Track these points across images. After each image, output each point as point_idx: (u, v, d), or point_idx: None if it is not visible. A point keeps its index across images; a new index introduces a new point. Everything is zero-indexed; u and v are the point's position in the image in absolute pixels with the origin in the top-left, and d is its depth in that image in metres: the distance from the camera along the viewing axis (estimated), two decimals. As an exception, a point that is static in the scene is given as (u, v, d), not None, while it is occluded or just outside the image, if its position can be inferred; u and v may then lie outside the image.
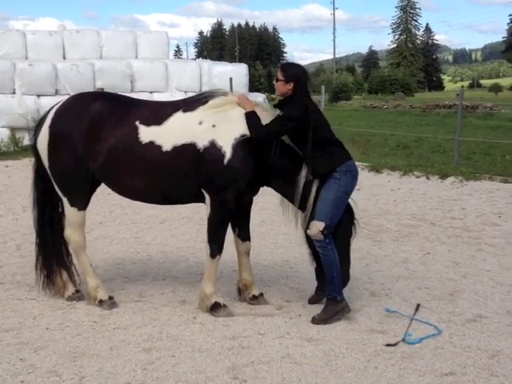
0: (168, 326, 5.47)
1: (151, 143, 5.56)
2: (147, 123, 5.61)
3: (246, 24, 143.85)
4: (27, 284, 6.59)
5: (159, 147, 5.54)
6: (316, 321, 5.51)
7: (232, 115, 5.55)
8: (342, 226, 5.58)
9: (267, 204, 10.57)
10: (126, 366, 4.69)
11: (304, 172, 5.49)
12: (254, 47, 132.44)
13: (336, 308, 5.51)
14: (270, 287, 6.48)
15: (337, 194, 5.41)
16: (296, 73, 5.57)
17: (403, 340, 5.08)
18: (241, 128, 5.49)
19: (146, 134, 5.58)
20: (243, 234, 6.04)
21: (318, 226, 5.40)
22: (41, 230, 6.14)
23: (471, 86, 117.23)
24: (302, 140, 5.44)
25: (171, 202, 6.18)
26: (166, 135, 5.54)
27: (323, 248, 5.48)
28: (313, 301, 5.96)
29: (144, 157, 5.56)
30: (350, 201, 5.65)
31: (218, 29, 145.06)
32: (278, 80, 5.59)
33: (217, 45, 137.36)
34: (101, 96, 6.08)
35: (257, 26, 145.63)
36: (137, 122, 5.63)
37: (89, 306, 5.94)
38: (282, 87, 5.56)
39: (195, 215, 9.79)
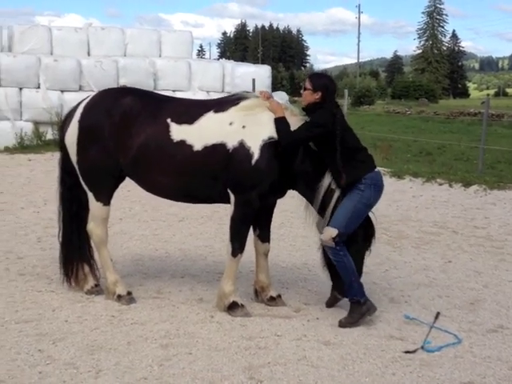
0: (185, 323, 5.46)
1: (182, 142, 5.57)
2: (179, 121, 5.63)
3: (270, 26, 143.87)
4: (47, 276, 6.63)
5: (190, 146, 5.55)
6: (343, 324, 5.49)
7: (262, 118, 5.56)
8: (358, 240, 5.57)
9: (287, 206, 10.53)
10: (143, 362, 4.69)
11: (326, 180, 5.48)
12: (277, 49, 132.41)
13: (361, 310, 5.48)
14: (288, 289, 6.46)
15: (357, 205, 5.41)
16: (324, 83, 5.59)
17: (422, 347, 5.03)
18: (269, 130, 5.49)
19: (178, 132, 5.60)
20: (263, 235, 6.03)
21: (330, 233, 5.40)
22: (67, 224, 6.15)
23: (497, 95, 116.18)
24: (327, 148, 5.44)
25: (198, 201, 6.23)
26: (197, 134, 5.56)
27: (335, 254, 5.48)
28: (330, 303, 5.94)
29: (174, 155, 5.58)
30: (371, 215, 5.64)
31: (241, 30, 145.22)
32: (305, 89, 5.60)
33: (240, 46, 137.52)
34: (131, 91, 6.09)
35: (280, 28, 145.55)
36: (168, 120, 5.64)
37: (107, 300, 5.96)
38: (310, 96, 5.57)
39: (214, 214, 9.78)
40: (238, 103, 5.64)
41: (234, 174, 5.50)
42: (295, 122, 5.53)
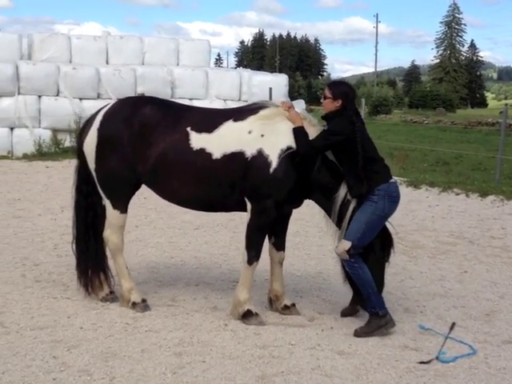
0: (199, 331, 5.47)
1: (202, 150, 5.60)
2: (198, 130, 5.66)
3: (288, 35, 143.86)
4: (63, 283, 6.67)
5: (209, 154, 5.58)
6: (358, 334, 5.47)
7: (281, 127, 5.58)
8: (375, 251, 5.55)
9: (302, 215, 10.53)
10: (157, 369, 4.70)
11: (343, 191, 5.48)
12: (294, 58, 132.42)
13: (379, 323, 5.46)
14: (302, 298, 6.45)
15: (371, 217, 5.40)
16: (344, 90, 5.59)
17: (437, 358, 5.00)
18: (288, 140, 5.52)
19: (197, 140, 5.63)
20: (279, 244, 6.04)
21: (343, 246, 5.42)
22: (83, 232, 6.17)
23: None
24: (346, 156, 5.45)
25: (216, 210, 6.26)
26: (217, 143, 5.59)
27: (350, 267, 5.48)
28: (345, 313, 5.92)
29: (194, 163, 5.61)
30: (388, 226, 5.64)
31: (259, 39, 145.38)
32: (325, 98, 5.61)
33: (257, 54, 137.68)
34: (150, 100, 6.11)
35: (298, 37, 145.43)
36: (188, 129, 5.68)
37: (122, 307, 5.98)
38: (330, 105, 5.58)
39: (230, 222, 9.80)
40: (257, 112, 5.67)
41: (252, 182, 5.52)
42: (313, 131, 5.55)
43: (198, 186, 5.68)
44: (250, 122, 5.61)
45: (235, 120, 5.66)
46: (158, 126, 5.70)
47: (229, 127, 5.64)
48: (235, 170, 5.54)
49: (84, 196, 6.14)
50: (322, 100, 5.70)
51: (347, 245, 5.40)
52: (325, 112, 5.67)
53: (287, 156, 5.48)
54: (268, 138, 5.53)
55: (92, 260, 6.15)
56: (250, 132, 5.56)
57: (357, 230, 5.39)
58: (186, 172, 5.64)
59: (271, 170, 5.46)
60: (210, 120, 5.73)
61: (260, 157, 5.49)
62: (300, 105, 22.88)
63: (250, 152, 5.51)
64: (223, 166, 5.55)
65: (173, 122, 5.72)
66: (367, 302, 5.53)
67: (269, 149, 5.50)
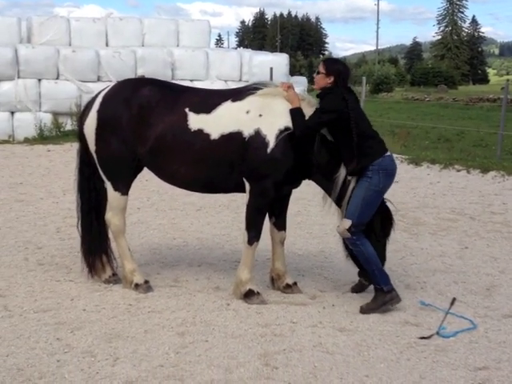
0: (202, 311, 5.51)
1: (200, 131, 5.61)
2: (196, 111, 5.67)
3: (289, 14, 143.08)
4: (66, 266, 6.72)
5: (207, 135, 5.59)
6: (364, 310, 5.52)
7: (278, 107, 5.58)
8: (375, 228, 5.60)
9: (303, 194, 10.55)
10: (160, 349, 4.75)
11: (343, 171, 5.50)
12: (295, 37, 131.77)
13: (384, 298, 5.50)
14: (304, 276, 6.49)
15: (367, 193, 5.42)
16: (338, 68, 5.60)
17: (437, 333, 5.04)
18: (286, 120, 5.52)
19: (195, 121, 5.64)
20: (279, 223, 6.06)
21: (344, 225, 5.46)
22: (86, 215, 6.20)
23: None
24: (340, 134, 5.45)
25: (215, 191, 6.30)
26: (215, 123, 5.60)
27: (353, 245, 5.52)
28: (356, 289, 5.98)
29: (192, 144, 5.62)
30: (388, 204, 5.69)
31: (259, 18, 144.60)
32: (318, 73, 5.61)
33: (258, 34, 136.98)
34: (149, 82, 6.11)
35: (299, 15, 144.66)
36: (186, 109, 5.68)
37: (125, 289, 6.02)
38: (322, 80, 5.58)
39: (231, 203, 9.83)
40: (255, 92, 5.66)
41: (250, 162, 5.53)
42: (311, 112, 5.55)
43: (197, 167, 5.70)
44: (248, 102, 5.61)
45: (233, 100, 5.66)
46: (157, 107, 5.70)
47: (227, 107, 5.64)
48: (233, 151, 5.54)
49: (86, 178, 6.16)
50: (314, 75, 5.71)
51: (347, 223, 5.43)
52: (316, 87, 5.68)
53: (285, 136, 5.48)
54: (266, 117, 5.53)
55: (95, 242, 6.19)
56: (247, 112, 5.56)
57: (355, 207, 5.42)
58: (185, 153, 5.65)
59: (269, 150, 5.47)
60: (208, 101, 5.73)
61: (258, 137, 5.49)
62: (301, 81, 22.80)
63: (247, 132, 5.52)
64: (221, 147, 5.56)
65: (171, 102, 5.72)
66: (372, 278, 5.58)
67: (266, 129, 5.50)
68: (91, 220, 6.19)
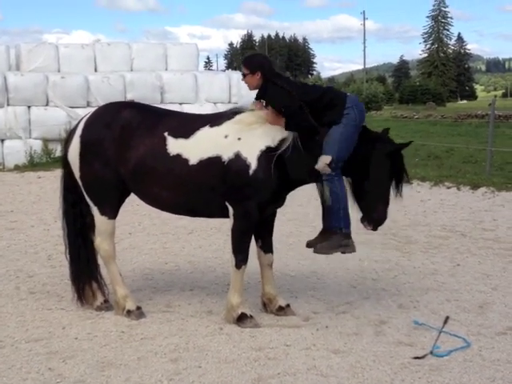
0: (195, 336, 5.48)
1: (179, 156, 5.61)
2: (175, 135, 5.67)
3: (276, 35, 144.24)
4: (57, 294, 6.67)
5: (186, 160, 5.59)
6: (317, 250, 5.55)
7: (258, 129, 5.58)
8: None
9: (295, 215, 10.59)
10: (153, 377, 4.71)
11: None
12: (283, 58, 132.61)
13: (341, 241, 5.50)
14: (297, 298, 6.47)
15: (345, 128, 5.46)
16: (258, 60, 5.78)
17: (431, 353, 5.02)
18: (266, 140, 5.52)
19: (174, 146, 5.64)
20: (266, 246, 6.04)
21: (324, 160, 5.42)
22: (72, 241, 6.18)
23: (505, 96, 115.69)
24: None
25: (198, 215, 6.23)
26: (193, 149, 5.59)
27: (331, 181, 5.47)
28: (310, 244, 5.84)
29: (172, 169, 5.62)
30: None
31: (247, 40, 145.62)
32: (245, 76, 5.71)
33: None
34: (130, 105, 6.17)
35: (287, 36, 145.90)
36: (165, 133, 5.68)
37: (117, 315, 5.98)
38: (251, 79, 5.68)
39: (223, 226, 9.79)
40: (233, 117, 5.69)
41: (232, 185, 5.51)
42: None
43: (178, 191, 5.69)
44: (227, 126, 5.62)
45: (212, 125, 5.68)
46: (138, 129, 5.72)
47: (205, 132, 5.65)
48: (213, 175, 5.53)
49: (71, 205, 6.16)
50: (241, 79, 5.80)
51: (327, 158, 5.40)
52: (251, 89, 5.77)
53: (267, 157, 5.48)
54: (245, 140, 5.53)
55: (83, 269, 6.16)
56: (226, 136, 5.57)
57: (334, 142, 5.42)
58: (165, 177, 5.65)
59: (251, 171, 5.46)
60: (187, 125, 5.74)
61: (238, 160, 5.49)
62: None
63: (226, 156, 5.51)
64: (200, 172, 5.55)
65: (152, 126, 5.74)
66: (335, 217, 5.50)
67: (247, 151, 5.49)
68: (78, 247, 6.16)
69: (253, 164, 5.46)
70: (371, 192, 5.58)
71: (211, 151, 5.55)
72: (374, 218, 5.65)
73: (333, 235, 5.54)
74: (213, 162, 5.53)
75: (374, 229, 5.75)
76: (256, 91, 5.73)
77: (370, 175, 5.55)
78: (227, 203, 5.61)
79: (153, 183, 5.72)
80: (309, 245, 5.70)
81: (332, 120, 5.48)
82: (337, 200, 5.47)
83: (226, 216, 5.72)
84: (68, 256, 6.24)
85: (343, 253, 5.65)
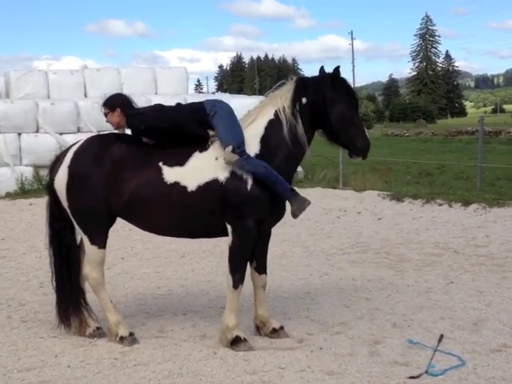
0: (188, 361, 5.43)
1: (176, 184, 5.63)
2: (170, 164, 5.70)
3: (265, 57, 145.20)
4: (49, 322, 6.59)
5: (184, 187, 5.61)
6: (296, 214, 5.63)
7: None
8: None
9: (288, 235, 10.57)
10: (146, 403, 4.66)
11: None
12: (273, 79, 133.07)
13: (301, 197, 5.63)
14: (290, 320, 6.43)
15: (224, 120, 5.62)
16: (117, 98, 6.07)
17: (426, 372, 5.00)
18: (253, 149, 5.63)
19: (171, 174, 5.66)
20: (260, 267, 6.03)
21: (227, 150, 5.48)
22: (58, 269, 6.15)
23: (494, 112, 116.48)
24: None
25: (198, 236, 6.32)
26: (190, 175, 5.62)
27: (246, 163, 5.49)
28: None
29: (169, 197, 5.63)
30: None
31: (237, 62, 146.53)
32: (106, 115, 5.92)
33: (237, 78, 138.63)
34: (121, 137, 6.10)
35: (276, 58, 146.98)
36: (160, 163, 5.71)
37: (110, 342, 5.93)
38: (112, 117, 5.94)
39: (216, 248, 9.78)
40: (215, 139, 5.73)
41: (232, 204, 5.54)
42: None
43: (176, 217, 5.71)
44: (214, 148, 5.67)
45: (201, 151, 5.72)
46: (130, 162, 5.72)
47: (197, 158, 5.69)
48: (213, 198, 5.56)
49: (56, 232, 6.14)
50: (106, 121, 5.97)
51: (229, 148, 5.47)
52: (115, 127, 5.99)
53: None
54: None
55: (67, 296, 6.11)
56: (216, 158, 5.61)
57: (225, 134, 5.56)
58: (163, 206, 5.67)
59: (249, 187, 5.51)
60: (178, 153, 5.75)
61: (234, 178, 5.53)
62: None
63: (223, 176, 5.55)
64: (200, 196, 5.58)
65: (144, 158, 5.75)
66: (277, 185, 5.52)
67: None
68: (62, 274, 6.13)
69: (249, 180, 5.51)
70: (342, 129, 5.68)
71: (207, 175, 5.59)
72: (359, 147, 5.76)
73: (293, 200, 5.61)
74: (211, 186, 5.57)
75: (364, 157, 5.85)
76: None
77: (331, 116, 5.63)
78: (226, 222, 5.63)
79: (150, 212, 5.73)
80: (294, 216, 5.72)
81: (202, 121, 5.68)
82: (266, 174, 5.50)
83: (226, 234, 5.74)
84: (54, 283, 6.21)
85: (308, 204, 5.69)
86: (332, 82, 5.66)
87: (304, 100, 5.71)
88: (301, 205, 5.60)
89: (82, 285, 6.18)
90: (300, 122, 5.68)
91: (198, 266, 9.01)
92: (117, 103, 5.93)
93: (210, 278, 8.28)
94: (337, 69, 5.68)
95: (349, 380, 4.95)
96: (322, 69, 5.84)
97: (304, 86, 5.77)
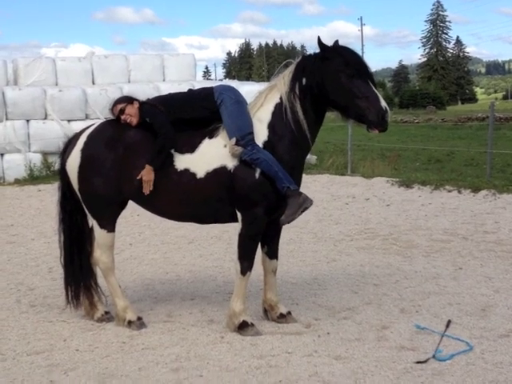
0: (196, 345, 5.46)
1: (186, 170, 5.63)
2: (181, 151, 5.69)
3: (274, 43, 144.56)
4: (58, 306, 6.65)
5: (194, 174, 5.61)
6: (284, 221, 5.50)
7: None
8: None
9: (295, 222, 10.53)
10: (154, 387, 4.69)
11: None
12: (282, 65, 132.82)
13: (298, 200, 5.45)
14: (298, 305, 6.44)
15: (230, 109, 5.59)
16: (125, 95, 6.13)
17: (433, 357, 4.99)
18: (262, 138, 5.58)
19: (181, 161, 5.67)
20: (271, 252, 6.04)
21: (231, 143, 5.47)
22: (68, 250, 6.19)
23: (505, 98, 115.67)
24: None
25: (208, 222, 6.26)
26: (199, 162, 5.62)
27: (251, 155, 5.44)
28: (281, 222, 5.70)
29: (179, 183, 5.64)
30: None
31: (245, 49, 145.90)
32: (123, 112, 5.81)
33: (245, 65, 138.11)
34: None
35: (284, 44, 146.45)
36: (172, 150, 5.70)
37: (118, 327, 5.96)
38: (132, 110, 5.82)
39: (224, 234, 9.80)
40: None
41: (240, 191, 5.52)
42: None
43: (187, 203, 5.71)
44: (222, 136, 5.64)
45: (210, 137, 5.71)
46: (142, 148, 5.71)
47: (207, 145, 5.68)
48: (221, 185, 5.55)
49: (68, 213, 6.15)
50: (122, 117, 5.82)
51: (233, 140, 5.45)
52: (138, 121, 5.81)
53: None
54: None
55: (76, 274, 6.15)
56: (225, 146, 5.58)
57: (230, 126, 5.54)
58: (173, 192, 5.68)
59: (257, 175, 5.48)
60: (189, 140, 5.74)
61: (243, 166, 5.51)
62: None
63: (231, 164, 5.54)
64: (208, 183, 5.58)
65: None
66: (277, 180, 5.44)
67: None
68: (72, 253, 6.16)
69: (258, 167, 5.47)
70: (346, 103, 5.40)
71: (216, 162, 5.58)
72: (371, 119, 5.30)
73: (289, 200, 5.46)
74: (219, 173, 5.56)
75: (381, 129, 5.36)
76: None
77: (330, 91, 5.42)
78: (236, 209, 5.62)
79: (160, 197, 5.74)
80: (281, 222, 5.61)
81: (211, 109, 5.67)
82: (268, 166, 5.44)
83: (235, 220, 5.73)
84: (62, 261, 6.25)
85: (305, 209, 5.52)
86: (323, 54, 5.45)
87: (304, 80, 5.54)
88: (296, 209, 5.45)
89: (93, 268, 6.21)
90: (299, 106, 5.53)
91: (206, 251, 9.02)
92: (131, 97, 5.94)
93: (217, 263, 8.29)
94: (318, 39, 5.41)
95: (356, 365, 4.95)
96: (319, 39, 5.43)
97: (303, 65, 5.60)
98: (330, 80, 5.40)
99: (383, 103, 5.26)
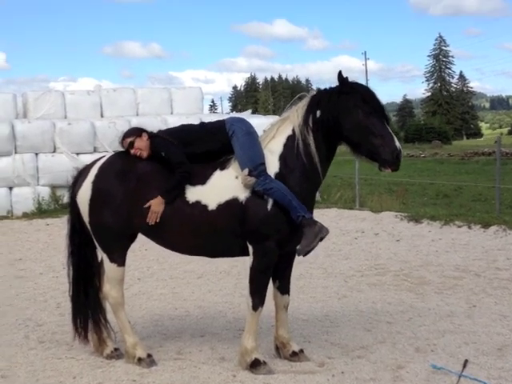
0: (208, 384, 5.35)
1: (198, 202, 5.59)
2: (192, 183, 5.66)
3: (279, 77, 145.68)
4: (67, 343, 6.55)
5: (205, 206, 5.57)
6: (301, 252, 5.40)
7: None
8: None
9: (305, 257, 10.46)
10: (166, 428, 4.58)
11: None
12: (287, 99, 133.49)
13: (314, 230, 5.36)
14: (310, 343, 6.33)
15: (241, 140, 5.57)
16: (135, 128, 6.08)
17: (452, 398, 4.88)
18: (274, 169, 5.55)
19: (193, 193, 5.62)
20: (283, 287, 5.95)
21: (244, 174, 5.43)
22: (76, 284, 6.12)
23: (510, 133, 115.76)
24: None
25: (220, 256, 6.22)
26: (211, 194, 5.58)
27: (263, 185, 5.39)
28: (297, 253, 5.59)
29: (191, 215, 5.59)
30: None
31: (251, 83, 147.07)
32: (132, 145, 5.78)
33: (251, 98, 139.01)
34: None
35: (289, 78, 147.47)
36: None
37: (128, 364, 5.86)
38: (143, 143, 5.80)
39: (233, 269, 9.71)
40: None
41: (252, 223, 5.47)
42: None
43: (198, 236, 5.66)
44: (234, 167, 5.62)
45: (221, 169, 5.69)
46: (154, 180, 5.69)
47: (218, 177, 5.66)
48: (233, 217, 5.50)
49: (77, 247, 6.10)
50: (132, 151, 5.81)
51: (245, 171, 5.41)
52: (148, 154, 5.80)
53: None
54: None
55: (89, 315, 6.07)
56: (237, 177, 5.56)
57: (241, 157, 5.51)
58: (184, 224, 5.62)
59: (269, 207, 5.44)
60: (200, 172, 5.72)
61: (254, 198, 5.47)
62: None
63: (243, 195, 5.50)
64: (220, 216, 5.53)
65: (168, 175, 5.70)
66: (291, 210, 5.37)
67: None
68: (82, 290, 6.10)
69: (270, 199, 5.43)
70: (360, 140, 5.39)
71: (228, 194, 5.54)
72: (385, 158, 5.30)
73: (305, 231, 5.39)
74: (231, 205, 5.51)
75: (394, 169, 5.38)
76: None
77: (345, 126, 5.40)
78: (247, 242, 5.56)
79: (172, 230, 5.69)
80: (298, 253, 5.54)
81: (223, 141, 5.67)
82: (282, 195, 5.39)
83: (246, 254, 5.67)
84: (70, 295, 6.19)
85: (321, 239, 5.45)
86: (341, 88, 5.47)
87: (318, 113, 5.53)
88: (312, 239, 5.38)
89: (102, 303, 6.14)
90: (312, 139, 5.51)
91: (215, 286, 8.93)
92: (140, 129, 5.93)
93: (227, 299, 8.20)
94: (339, 73, 5.44)
95: (372, 406, 4.84)
96: (340, 74, 5.45)
97: (318, 98, 5.60)
98: (346, 115, 5.38)
99: (398, 143, 5.29)
